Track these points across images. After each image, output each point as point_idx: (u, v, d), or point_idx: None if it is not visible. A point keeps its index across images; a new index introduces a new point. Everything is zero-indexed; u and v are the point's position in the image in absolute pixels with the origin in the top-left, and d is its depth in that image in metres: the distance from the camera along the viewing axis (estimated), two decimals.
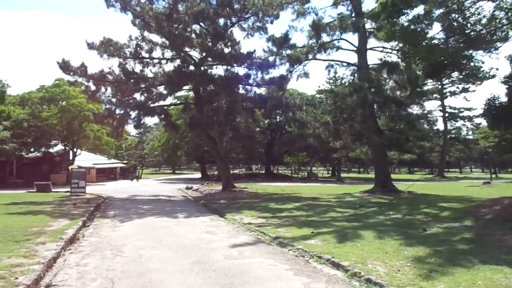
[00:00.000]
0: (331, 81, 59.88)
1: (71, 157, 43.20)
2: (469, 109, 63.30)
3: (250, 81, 25.71)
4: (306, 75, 22.46)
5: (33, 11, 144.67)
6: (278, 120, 65.64)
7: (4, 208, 16.21)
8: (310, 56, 20.89)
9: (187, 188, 32.29)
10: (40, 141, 39.86)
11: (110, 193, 28.76)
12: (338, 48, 22.21)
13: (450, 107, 63.69)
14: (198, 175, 70.88)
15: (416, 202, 17.53)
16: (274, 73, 27.80)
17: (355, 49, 22.50)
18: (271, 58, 21.63)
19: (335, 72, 31.14)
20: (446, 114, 62.77)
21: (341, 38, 21.91)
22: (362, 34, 21.50)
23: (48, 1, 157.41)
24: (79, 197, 23.66)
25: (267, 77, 25.65)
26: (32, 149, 40.55)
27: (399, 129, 21.49)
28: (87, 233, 10.97)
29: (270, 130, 57.19)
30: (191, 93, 34.67)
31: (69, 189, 25.49)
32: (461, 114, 63.96)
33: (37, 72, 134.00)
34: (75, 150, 43.17)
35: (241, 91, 25.46)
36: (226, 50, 24.39)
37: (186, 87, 27.59)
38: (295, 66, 21.34)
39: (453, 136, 67.03)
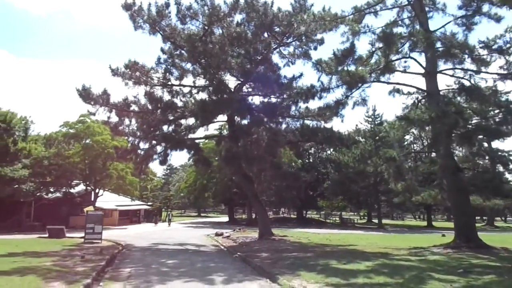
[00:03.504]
0: (370, 119, 56.49)
1: (92, 198, 40.23)
2: None
3: (294, 110, 22.30)
4: (364, 101, 18.76)
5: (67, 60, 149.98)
6: (311, 158, 61.67)
7: None
8: (372, 78, 17.31)
9: (217, 235, 28.26)
10: (60, 180, 37.27)
11: (130, 239, 25.09)
12: (405, 69, 18.60)
13: None
14: (225, 218, 66.64)
15: None
16: (318, 102, 24.33)
17: (422, 71, 18.79)
18: (324, 79, 18.17)
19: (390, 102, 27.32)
20: None
21: (409, 57, 18.28)
22: (432, 54, 17.85)
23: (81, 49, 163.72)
24: (93, 245, 20.08)
25: (314, 106, 22.28)
26: (52, 189, 37.91)
27: (483, 167, 17.22)
28: None
29: (305, 170, 52.91)
30: (214, 133, 31.66)
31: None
32: None
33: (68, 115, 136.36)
34: (97, 190, 40.28)
35: (285, 122, 22.04)
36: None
37: (219, 119, 24.38)
38: (353, 90, 17.71)
39: None
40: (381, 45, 18.03)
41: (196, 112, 20.70)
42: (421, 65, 18.81)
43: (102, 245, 20.15)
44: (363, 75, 16.20)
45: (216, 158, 46.65)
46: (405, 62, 19.02)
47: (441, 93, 18.75)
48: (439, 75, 19.08)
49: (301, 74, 21.54)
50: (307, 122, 23.28)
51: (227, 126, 29.39)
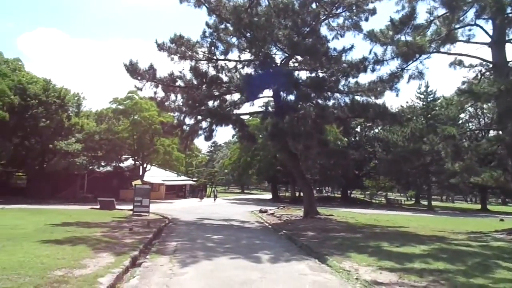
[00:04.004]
0: (422, 95, 53.44)
1: (140, 172, 41.42)
2: None
3: (343, 85, 21.23)
4: (420, 75, 17.35)
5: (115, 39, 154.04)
6: (357, 136, 59.76)
7: (46, 231, 13.12)
8: (431, 48, 15.85)
9: (261, 212, 28.14)
10: (110, 154, 38.58)
11: (176, 213, 25.53)
12: (468, 39, 16.88)
13: None
14: (268, 195, 66.85)
15: None
16: (369, 76, 22.98)
17: (488, 41, 16.98)
18: (378, 50, 16.92)
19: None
20: None
21: (475, 24, 16.50)
22: (501, 21, 16.02)
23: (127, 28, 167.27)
24: (141, 217, 20.55)
25: (365, 80, 21.08)
26: (103, 163, 39.41)
27: None
28: (128, 287, 7.04)
29: (351, 148, 51.34)
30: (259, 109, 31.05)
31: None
32: None
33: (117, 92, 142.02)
34: (145, 165, 41.37)
35: (333, 97, 21.04)
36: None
37: (265, 94, 23.77)
38: (409, 62, 16.36)
39: None
40: (441, 12, 16.44)
41: (241, 87, 20.21)
42: (487, 33, 17.01)
43: (149, 218, 20.58)
44: (423, 45, 14.84)
45: (261, 136, 46.51)
46: (470, 30, 17.26)
47: (510, 64, 16.95)
48: (507, 45, 17.23)
49: (352, 46, 20.31)
50: (357, 97, 22.16)
51: (272, 103, 28.79)
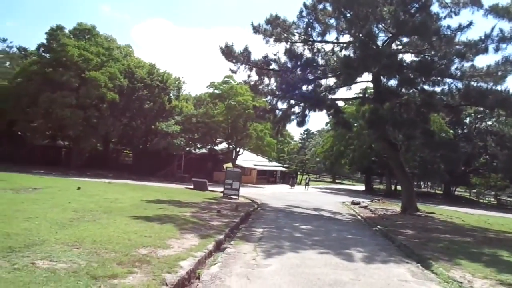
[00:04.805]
0: None
1: (233, 156, 42.36)
2: None
3: (455, 69, 18.62)
4: None
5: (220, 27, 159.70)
6: (465, 128, 53.82)
7: (140, 207, 13.65)
8: None
9: (353, 203, 26.65)
10: (206, 137, 39.98)
11: (266, 198, 25.36)
12: None
13: None
14: (360, 187, 64.06)
15: None
16: (489, 58, 19.79)
17: None
18: (506, 26, 14.29)
19: None
20: None
21: None
22: None
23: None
24: (230, 200, 20.67)
25: (481, 64, 18.21)
26: (198, 145, 41.08)
27: None
28: (207, 275, 6.63)
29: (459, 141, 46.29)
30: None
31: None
32: None
33: (214, 78, 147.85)
34: (238, 149, 42.19)
35: (442, 82, 18.58)
36: None
37: (363, 78, 22.08)
38: None
39: None
40: None
41: (338, 70, 18.91)
42: None
43: (238, 201, 20.61)
44: None
45: (356, 124, 44.29)
46: None
47: None
48: None
49: (470, 23, 17.48)
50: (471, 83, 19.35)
51: (370, 90, 26.83)
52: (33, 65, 37.30)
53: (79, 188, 17.91)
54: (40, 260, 6.03)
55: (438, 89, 19.97)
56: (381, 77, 20.49)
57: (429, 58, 19.54)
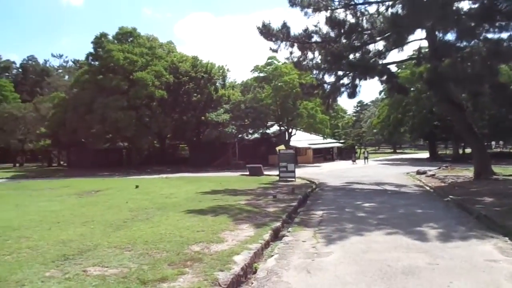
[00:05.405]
0: None
1: (286, 137, 41.67)
2: None
3: None
4: None
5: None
6: None
7: (195, 200, 13.45)
8: None
9: (418, 173, 24.90)
10: (256, 122, 39.62)
11: (323, 177, 24.45)
12: None
13: None
14: (424, 154, 60.52)
15: None
16: None
17: None
18: None
19: None
20: None
21: None
22: None
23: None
24: (287, 183, 20.07)
25: None
26: (250, 131, 40.85)
27: None
28: (263, 270, 6.06)
29: None
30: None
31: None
32: None
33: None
34: (290, 130, 41.39)
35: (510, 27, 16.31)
36: None
37: (415, 37, 20.18)
38: None
39: None
40: None
41: (386, 30, 17.31)
42: None
43: (295, 183, 19.96)
44: None
45: (412, 89, 41.53)
46: None
47: None
48: None
49: None
50: None
51: (424, 51, 24.61)
52: (85, 74, 38.94)
53: (137, 186, 18.24)
54: (92, 266, 5.89)
55: (505, 35, 17.64)
56: (436, 32, 18.53)
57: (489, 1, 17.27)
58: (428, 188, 18.29)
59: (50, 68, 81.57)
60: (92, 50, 39.58)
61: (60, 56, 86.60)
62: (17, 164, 50.95)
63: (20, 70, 79.45)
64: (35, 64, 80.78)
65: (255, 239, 7.56)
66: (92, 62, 39.90)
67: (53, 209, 11.78)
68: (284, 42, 20.72)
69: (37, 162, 54.77)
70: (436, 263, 6.00)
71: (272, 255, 6.80)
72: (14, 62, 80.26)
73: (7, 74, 75.80)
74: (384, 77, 19.91)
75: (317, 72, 21.67)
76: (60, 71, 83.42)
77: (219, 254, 6.47)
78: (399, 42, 17.78)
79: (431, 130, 48.54)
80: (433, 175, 22.91)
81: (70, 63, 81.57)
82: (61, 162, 52.53)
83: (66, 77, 70.20)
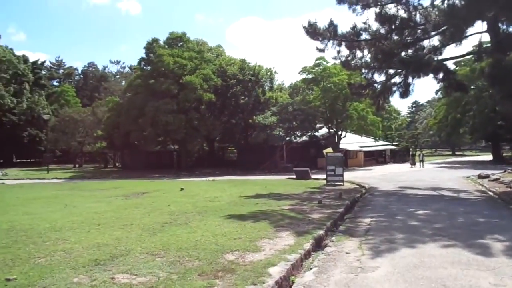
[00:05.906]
0: None
1: (336, 140, 40.46)
2: None
3: None
4: None
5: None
6: None
7: (237, 204, 13.15)
8: None
9: (480, 177, 22.97)
10: (304, 124, 38.85)
11: (374, 181, 23.29)
12: None
13: None
14: (487, 157, 56.31)
15: None
16: None
17: None
18: None
19: None
20: None
21: None
22: None
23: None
24: (334, 187, 19.27)
25: None
26: (298, 133, 40.16)
27: None
28: (298, 285, 5.55)
29: None
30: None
31: None
32: None
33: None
34: (339, 132, 40.16)
35: None
36: None
37: (474, 30, 18.61)
38: None
39: None
40: None
41: (442, 23, 16.06)
42: None
43: (343, 187, 19.10)
44: None
45: (472, 87, 38.76)
46: None
47: None
48: None
49: None
50: None
51: (484, 46, 22.68)
52: (137, 79, 40.40)
53: (182, 189, 18.32)
54: (121, 273, 5.72)
55: None
56: (499, 24, 16.94)
57: None
58: (491, 193, 16.69)
59: (108, 74, 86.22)
60: (144, 55, 41.01)
61: (118, 62, 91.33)
62: (77, 165, 54.01)
63: (81, 76, 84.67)
64: (95, 70, 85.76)
65: (294, 248, 7.08)
66: (144, 67, 41.28)
67: (98, 210, 11.99)
68: (331, 41, 19.99)
69: (94, 163, 57.75)
70: (503, 285, 5.16)
71: (311, 268, 6.27)
72: (76, 69, 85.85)
73: (70, 80, 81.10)
74: (440, 74, 18.51)
75: (366, 71, 20.68)
76: (118, 76, 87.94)
77: (254, 264, 6.06)
78: (456, 36, 16.41)
79: (494, 130, 45.12)
80: (498, 179, 20.98)
81: (127, 69, 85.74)
82: (117, 164, 54.93)
83: (123, 82, 73.66)
